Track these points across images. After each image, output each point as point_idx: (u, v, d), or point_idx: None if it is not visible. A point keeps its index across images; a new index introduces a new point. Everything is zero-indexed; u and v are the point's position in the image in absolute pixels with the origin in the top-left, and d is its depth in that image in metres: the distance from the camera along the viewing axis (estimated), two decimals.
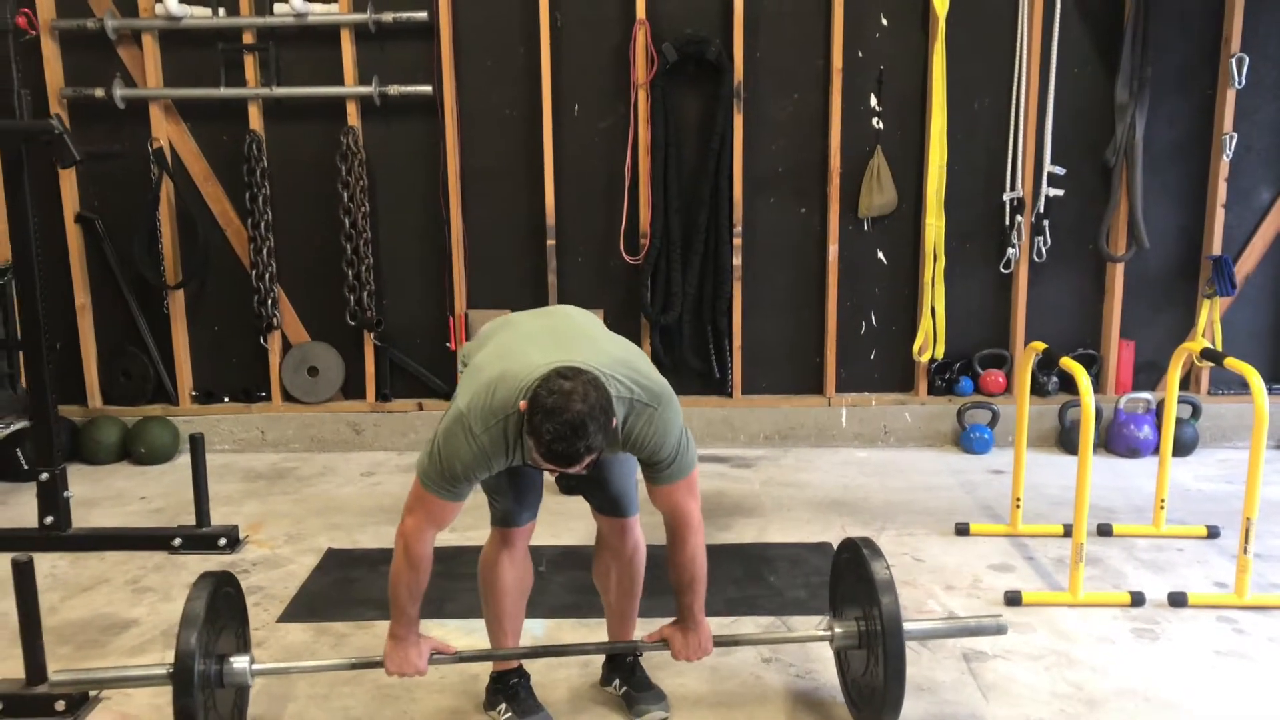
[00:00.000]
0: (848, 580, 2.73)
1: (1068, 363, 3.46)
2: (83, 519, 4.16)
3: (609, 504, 2.71)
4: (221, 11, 4.83)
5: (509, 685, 2.77)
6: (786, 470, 4.83)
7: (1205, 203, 5.02)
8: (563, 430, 2.12)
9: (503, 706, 2.75)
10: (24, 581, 2.77)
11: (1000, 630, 2.71)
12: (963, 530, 4.01)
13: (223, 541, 3.92)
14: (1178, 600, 3.36)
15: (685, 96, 4.94)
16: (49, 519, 3.90)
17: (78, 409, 5.12)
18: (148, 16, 4.81)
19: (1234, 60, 4.79)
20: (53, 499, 3.90)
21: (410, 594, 2.46)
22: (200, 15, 4.82)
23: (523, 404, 2.22)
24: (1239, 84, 4.82)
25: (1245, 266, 5.05)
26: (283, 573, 3.74)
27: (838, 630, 2.68)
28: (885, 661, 2.45)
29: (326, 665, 2.88)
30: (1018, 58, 4.87)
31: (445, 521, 2.44)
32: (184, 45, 4.89)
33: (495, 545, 2.69)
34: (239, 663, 2.54)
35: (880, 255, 5.12)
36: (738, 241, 4.99)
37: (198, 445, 3.85)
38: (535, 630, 3.22)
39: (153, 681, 2.49)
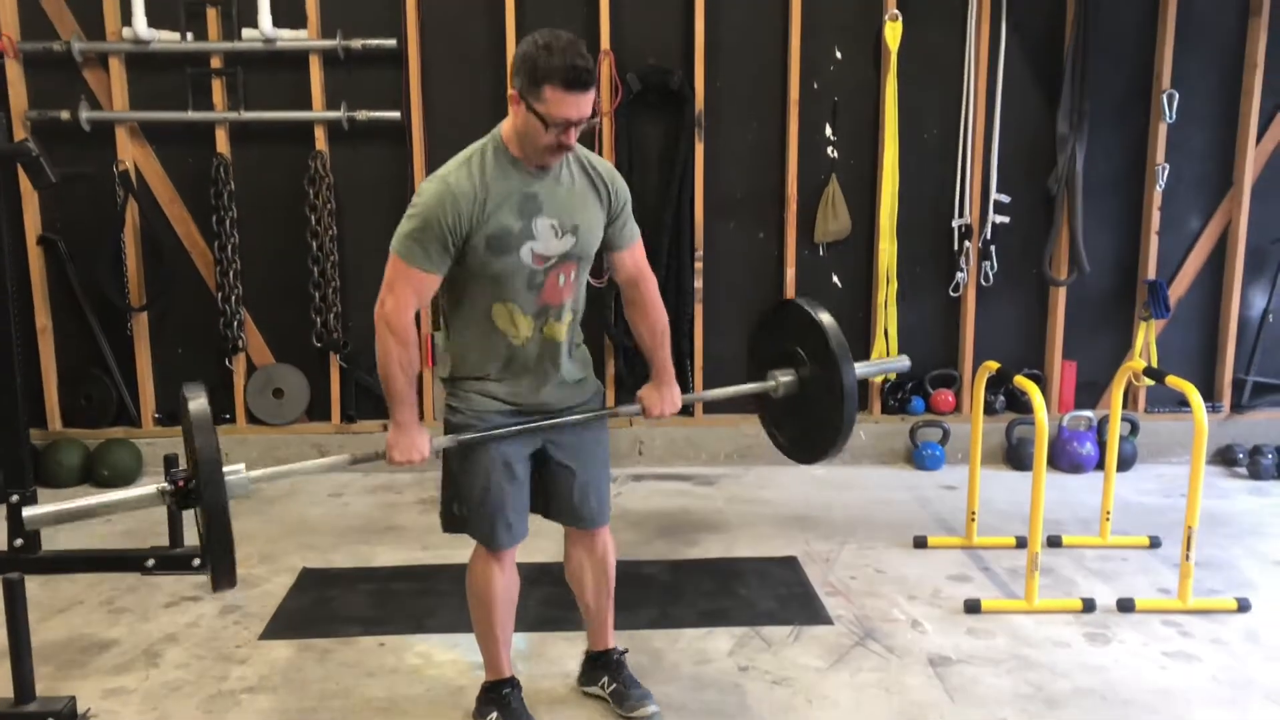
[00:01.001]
0: (787, 333, 2.86)
1: (1022, 380, 3.65)
2: (49, 541, 4.12)
3: (585, 504, 2.74)
4: (189, 36, 4.87)
5: (501, 695, 2.84)
6: (749, 487, 4.98)
7: (1140, 230, 5.30)
8: (568, 49, 2.29)
9: (494, 715, 2.82)
10: (14, 599, 2.79)
11: (904, 366, 3.22)
12: (921, 543, 4.18)
13: (196, 561, 3.92)
14: (1126, 606, 3.55)
15: (648, 124, 5.08)
16: (18, 541, 3.89)
17: (37, 432, 5.07)
18: (115, 40, 4.83)
19: (1165, 96, 5.08)
20: (22, 521, 3.88)
21: (407, 376, 2.46)
22: (168, 39, 4.85)
23: (513, 93, 2.35)
24: (1170, 118, 5.11)
25: (1178, 290, 5.34)
26: (259, 591, 3.76)
27: (782, 379, 2.81)
28: (842, 393, 2.63)
29: (326, 465, 2.66)
30: (965, 91, 5.11)
31: (425, 295, 2.47)
32: (151, 69, 4.92)
33: (484, 559, 2.73)
34: (236, 473, 2.37)
35: (835, 279, 5.31)
36: (699, 265, 5.14)
37: (171, 466, 3.86)
38: (518, 644, 3.28)
39: (147, 502, 2.34)
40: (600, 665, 2.97)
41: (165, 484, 2.26)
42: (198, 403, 2.30)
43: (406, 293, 2.43)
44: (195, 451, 2.22)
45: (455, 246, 2.43)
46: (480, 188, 2.41)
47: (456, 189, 2.39)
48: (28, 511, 2.24)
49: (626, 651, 3.01)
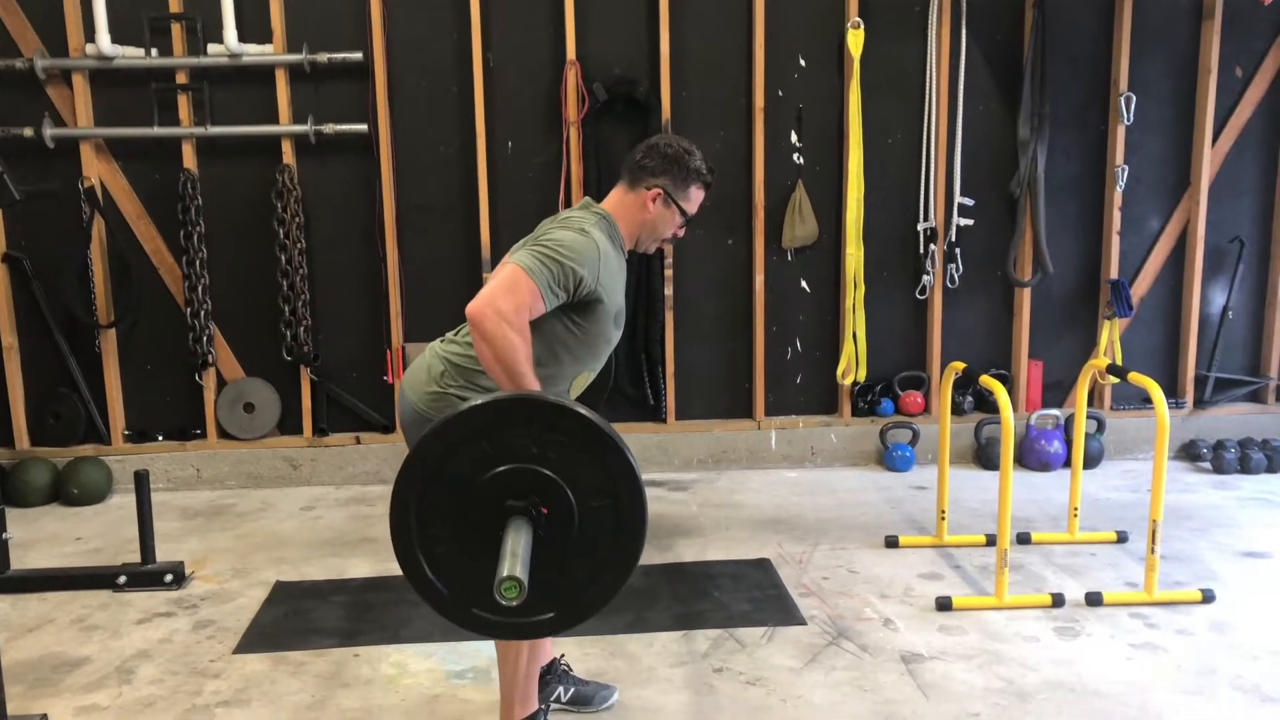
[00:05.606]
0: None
1: (988, 380, 3.70)
2: (19, 561, 4.09)
3: None
4: (154, 52, 4.86)
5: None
6: (721, 492, 5.00)
7: (1102, 230, 5.39)
8: (701, 155, 2.62)
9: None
10: None
11: None
12: (892, 543, 4.22)
13: (169, 578, 3.91)
14: (1094, 600, 3.60)
15: (615, 133, 5.11)
16: None
17: (4, 451, 5.03)
18: (78, 56, 4.81)
19: (1122, 99, 5.18)
20: None
21: (529, 363, 2.34)
22: (132, 55, 4.84)
23: (655, 190, 2.57)
24: (1128, 121, 5.20)
25: (1140, 289, 5.43)
26: (233, 606, 3.75)
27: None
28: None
29: None
30: (927, 97, 5.18)
31: (532, 317, 2.39)
32: (115, 85, 4.90)
33: None
34: None
35: (803, 284, 5.36)
36: (669, 273, 5.18)
37: (142, 481, 3.84)
38: (464, 675, 3.29)
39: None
40: (550, 679, 2.97)
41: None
42: None
43: (524, 300, 2.33)
44: None
45: (566, 299, 2.43)
46: (607, 258, 2.48)
47: (601, 249, 2.45)
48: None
49: (564, 655, 3.06)
